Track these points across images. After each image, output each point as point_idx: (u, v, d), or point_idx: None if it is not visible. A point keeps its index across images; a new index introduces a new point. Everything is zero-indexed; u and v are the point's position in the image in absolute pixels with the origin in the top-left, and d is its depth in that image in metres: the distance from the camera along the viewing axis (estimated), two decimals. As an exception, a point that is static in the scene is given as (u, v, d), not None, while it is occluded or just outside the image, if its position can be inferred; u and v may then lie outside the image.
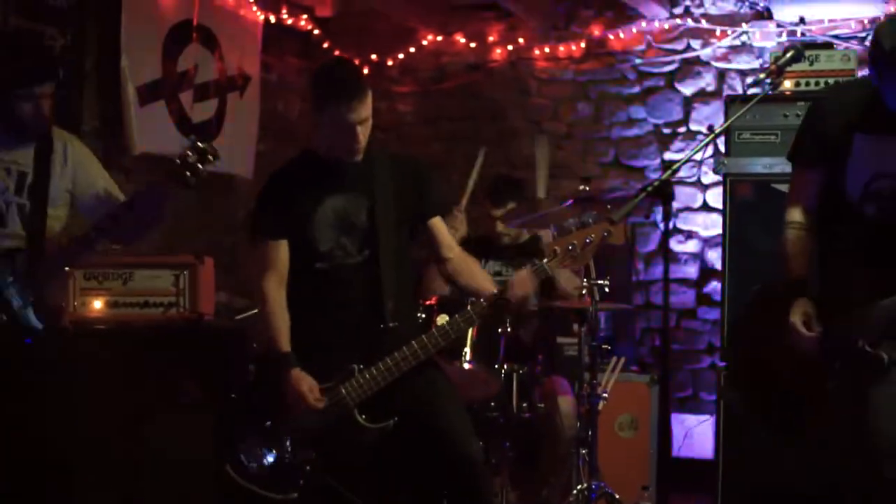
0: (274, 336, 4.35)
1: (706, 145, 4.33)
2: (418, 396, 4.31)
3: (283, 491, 4.27)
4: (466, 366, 5.44)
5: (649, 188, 4.17)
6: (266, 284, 4.41)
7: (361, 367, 4.27)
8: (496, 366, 5.53)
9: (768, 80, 4.48)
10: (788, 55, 4.54)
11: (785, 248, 4.28)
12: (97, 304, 5.84)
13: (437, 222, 4.55)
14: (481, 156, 6.42)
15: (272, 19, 8.04)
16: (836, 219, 4.24)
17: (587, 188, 5.81)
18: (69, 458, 4.74)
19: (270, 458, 4.32)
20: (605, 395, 5.65)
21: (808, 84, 6.27)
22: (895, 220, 4.08)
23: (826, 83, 6.22)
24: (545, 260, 4.31)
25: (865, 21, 7.41)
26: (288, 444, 4.30)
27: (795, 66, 4.88)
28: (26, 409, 4.51)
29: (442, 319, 5.26)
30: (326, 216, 4.40)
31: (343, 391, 4.26)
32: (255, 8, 7.84)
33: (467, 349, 5.46)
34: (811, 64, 6.27)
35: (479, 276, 4.56)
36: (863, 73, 5.95)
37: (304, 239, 4.41)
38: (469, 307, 4.32)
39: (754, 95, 4.73)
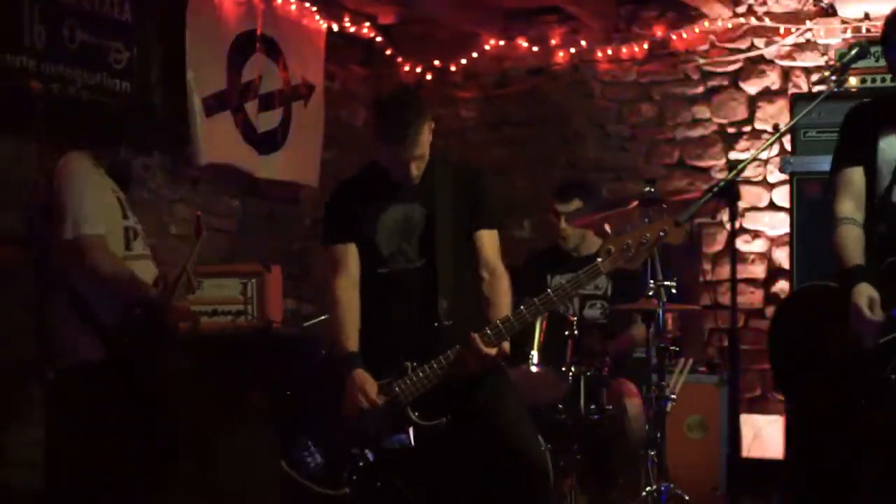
0: (342, 336, 4.46)
1: (770, 145, 4.37)
2: (478, 397, 4.38)
3: (336, 487, 4.35)
4: (534, 369, 5.47)
5: (715, 189, 4.17)
6: (338, 286, 4.53)
7: (415, 364, 4.34)
8: (563, 368, 5.54)
9: (833, 78, 4.50)
10: (853, 52, 4.57)
11: (836, 240, 4.37)
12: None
13: (483, 235, 4.58)
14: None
15: (335, 27, 8.09)
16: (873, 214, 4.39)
17: (652, 189, 5.77)
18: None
19: (325, 455, 4.41)
20: (673, 396, 5.63)
21: (874, 81, 6.21)
22: None
23: (892, 79, 6.15)
24: (598, 259, 4.32)
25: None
26: (342, 440, 4.37)
27: (861, 63, 4.90)
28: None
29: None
30: (389, 223, 4.55)
31: (396, 388, 4.33)
32: (317, 17, 7.90)
33: (534, 352, 5.48)
34: (877, 60, 6.19)
35: (501, 307, 4.48)
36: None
37: (367, 244, 4.55)
38: (523, 307, 4.33)
39: (819, 93, 4.73)
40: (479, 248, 4.57)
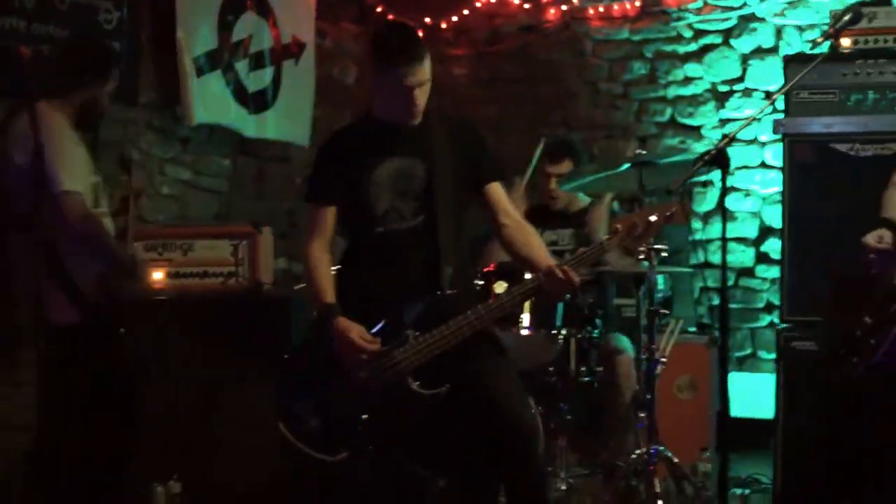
0: (317, 290, 4.36)
1: (762, 112, 4.34)
2: (471, 364, 4.27)
3: (333, 453, 4.27)
4: (524, 332, 5.47)
5: (706, 157, 4.17)
6: (311, 247, 4.43)
7: (417, 333, 4.25)
8: (554, 331, 5.55)
9: (826, 43, 4.51)
10: (846, 18, 4.55)
11: (885, 199, 4.44)
12: (158, 274, 5.89)
13: (495, 187, 4.48)
14: (542, 145, 6.37)
15: (326, -15, 8.05)
16: None
17: (643, 151, 5.77)
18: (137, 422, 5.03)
19: (322, 420, 4.32)
20: (663, 359, 5.64)
21: (866, 42, 6.17)
22: None
23: (885, 41, 6.14)
24: (605, 237, 4.27)
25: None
26: (340, 406, 4.30)
27: (855, 25, 4.89)
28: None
29: (500, 287, 5.30)
30: (382, 179, 4.38)
31: (397, 356, 4.23)
32: (308, -26, 7.86)
33: (525, 315, 5.49)
34: (870, 21, 6.19)
35: (536, 246, 4.45)
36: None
37: (359, 202, 4.39)
38: (527, 280, 4.32)
39: (812, 54, 4.74)
40: (493, 200, 4.46)
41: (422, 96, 4.29)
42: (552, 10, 8.51)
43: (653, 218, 4.20)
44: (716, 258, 7.80)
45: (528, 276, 5.03)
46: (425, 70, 4.25)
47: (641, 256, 5.47)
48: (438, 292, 4.29)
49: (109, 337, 4.97)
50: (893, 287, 4.29)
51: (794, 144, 6.22)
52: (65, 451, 4.92)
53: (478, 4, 8.63)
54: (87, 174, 4.99)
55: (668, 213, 4.21)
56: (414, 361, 4.23)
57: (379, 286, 4.37)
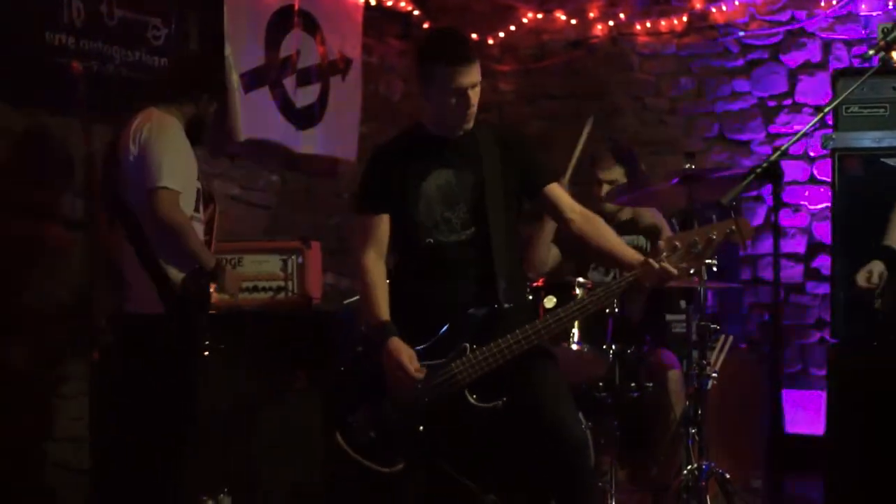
0: (372, 307, 4.33)
1: (813, 126, 4.31)
2: (526, 380, 4.26)
3: (389, 464, 4.26)
4: (574, 346, 5.45)
5: (758, 170, 4.13)
6: (365, 258, 4.39)
7: (474, 346, 4.23)
8: (604, 346, 5.53)
9: (875, 57, 4.47)
10: (896, 33, 4.52)
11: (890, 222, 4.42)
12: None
13: (553, 188, 4.46)
14: (589, 125, 6.33)
15: (372, 1, 8.06)
16: None
17: (692, 165, 5.72)
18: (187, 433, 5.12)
19: (379, 431, 4.31)
20: (714, 374, 5.60)
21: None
22: None
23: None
24: (664, 254, 4.18)
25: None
26: (396, 417, 4.29)
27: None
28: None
29: (550, 302, 5.28)
30: (431, 191, 4.37)
31: (454, 368, 4.22)
32: (354, -9, 7.89)
33: (575, 330, 5.46)
34: (923, 34, 6.16)
35: (612, 237, 4.44)
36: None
37: (407, 214, 4.37)
38: (579, 297, 4.31)
39: (861, 69, 4.71)
40: (553, 200, 4.44)
41: (475, 97, 4.27)
42: (599, 26, 8.50)
43: (713, 235, 4.14)
44: (766, 274, 7.75)
45: (577, 291, 5.06)
46: (477, 71, 4.24)
47: (692, 271, 5.44)
48: (496, 305, 4.27)
49: (188, 333, 5.10)
50: None
51: (844, 159, 6.19)
52: (121, 447, 5.02)
53: (524, 20, 8.63)
54: (190, 178, 5.24)
55: (727, 231, 4.14)
56: (471, 374, 4.21)
57: (430, 299, 4.36)
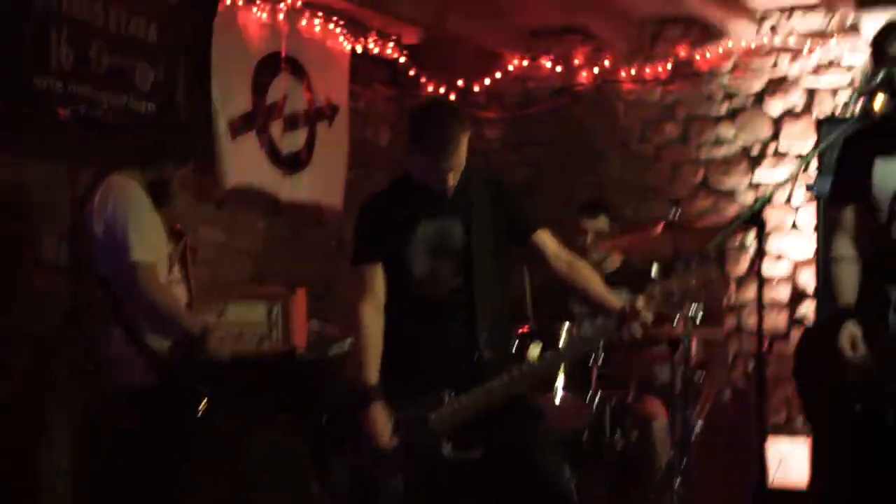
0: (362, 367, 4.34)
1: (796, 175, 4.37)
2: (509, 429, 4.29)
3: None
4: (559, 396, 5.45)
5: (741, 219, 4.17)
6: (362, 310, 4.41)
7: (452, 394, 4.25)
8: (588, 395, 5.53)
9: (858, 104, 4.52)
10: (877, 79, 4.55)
11: (832, 278, 4.45)
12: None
13: (540, 235, 4.50)
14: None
15: (359, 48, 8.09)
16: (874, 247, 4.48)
17: (677, 213, 5.75)
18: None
19: (357, 481, 4.33)
20: (699, 423, 5.61)
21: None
22: None
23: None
24: (640, 303, 4.22)
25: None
26: (375, 467, 4.29)
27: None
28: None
29: (536, 348, 5.30)
30: (421, 241, 4.41)
31: (432, 418, 4.24)
32: (342, 38, 7.90)
33: (559, 379, 5.46)
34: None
35: (596, 284, 4.49)
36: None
37: (398, 264, 4.41)
38: (561, 345, 4.33)
39: (844, 118, 4.76)
40: (540, 247, 4.50)
41: (453, 177, 4.34)
42: (584, 73, 8.53)
43: (691, 285, 4.17)
44: (751, 322, 7.75)
45: (563, 339, 5.07)
46: (458, 155, 4.31)
47: (676, 320, 5.46)
48: (476, 354, 4.28)
49: (188, 400, 5.04)
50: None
51: (829, 206, 6.20)
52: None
53: (510, 68, 8.67)
54: (160, 244, 5.12)
55: (706, 280, 4.17)
56: (448, 424, 4.24)
57: (417, 348, 4.39)
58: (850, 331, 4.32)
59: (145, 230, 5.02)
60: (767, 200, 4.28)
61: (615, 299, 4.37)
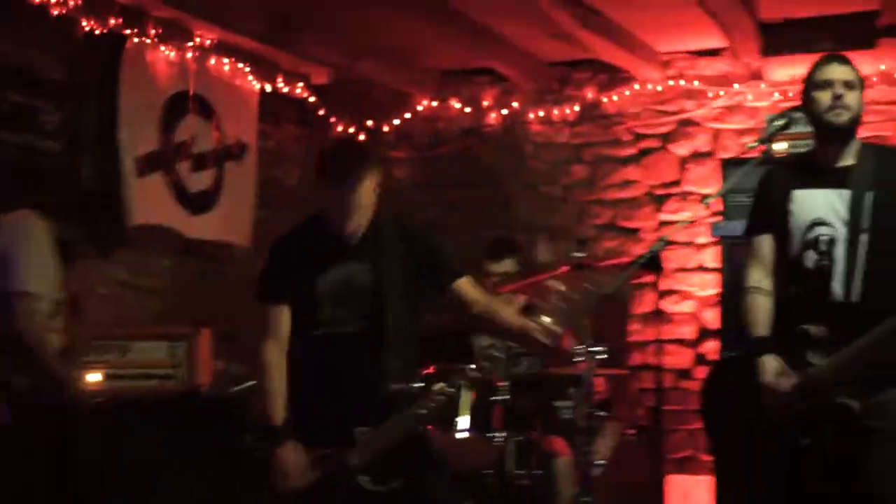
0: (267, 407, 4.35)
1: (697, 216, 4.44)
2: (411, 467, 4.32)
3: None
4: (462, 434, 5.46)
5: (641, 261, 4.23)
6: (265, 351, 4.42)
7: (364, 430, 4.27)
8: (492, 433, 5.55)
9: (760, 148, 4.62)
10: (779, 123, 4.66)
11: (745, 309, 4.49)
12: (96, 376, 5.86)
13: (459, 284, 4.53)
14: None
15: (268, 88, 8.10)
16: (787, 278, 4.51)
17: (580, 254, 5.81)
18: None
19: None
20: (600, 461, 5.64)
21: (800, 146, 6.27)
22: (830, 264, 4.35)
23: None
24: (542, 318, 4.29)
25: (859, 80, 7.45)
26: None
27: (790, 129, 5.02)
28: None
29: (438, 389, 5.31)
30: (330, 284, 4.41)
31: (344, 457, 4.25)
32: (251, 77, 7.90)
33: (463, 417, 5.48)
34: (804, 126, 6.28)
35: (515, 319, 4.54)
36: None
37: (306, 306, 4.41)
38: (460, 374, 4.35)
39: (748, 160, 4.85)
40: (461, 296, 4.52)
41: (360, 217, 4.36)
42: (493, 115, 8.60)
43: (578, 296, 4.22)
44: (655, 359, 7.83)
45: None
46: (365, 191, 4.33)
47: (579, 358, 5.50)
48: (382, 390, 4.30)
49: (46, 440, 4.93)
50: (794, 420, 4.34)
51: (733, 247, 6.29)
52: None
53: (419, 108, 8.72)
54: (50, 284, 5.01)
55: (587, 287, 4.23)
56: (362, 459, 4.26)
57: (325, 387, 4.38)
58: (772, 364, 4.34)
59: (40, 265, 4.97)
60: (664, 245, 4.34)
61: (534, 326, 4.40)
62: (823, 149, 4.50)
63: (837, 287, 4.32)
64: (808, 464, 4.30)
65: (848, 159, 4.44)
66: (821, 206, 4.42)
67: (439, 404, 4.31)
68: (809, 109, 4.49)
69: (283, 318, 4.45)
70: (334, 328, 4.41)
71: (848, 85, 4.40)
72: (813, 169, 4.51)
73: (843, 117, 4.39)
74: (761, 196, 4.67)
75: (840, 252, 4.33)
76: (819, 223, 4.40)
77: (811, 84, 4.48)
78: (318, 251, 4.45)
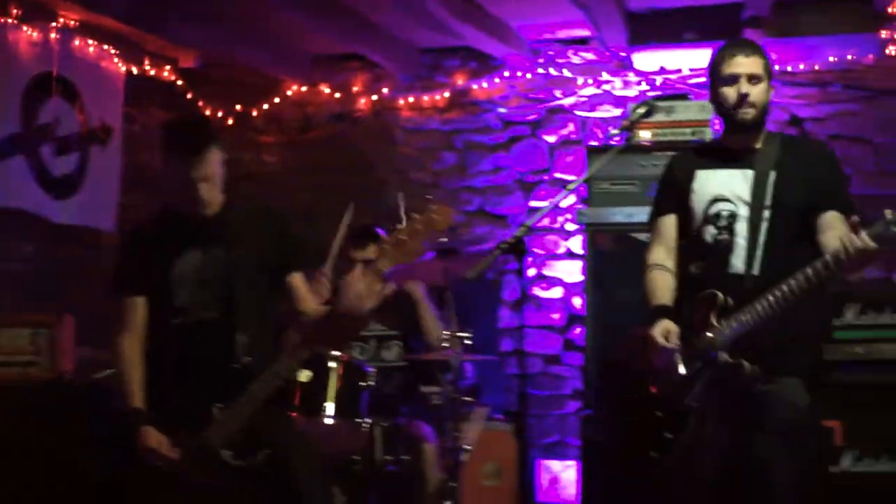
0: (126, 394, 4.36)
1: (556, 202, 4.46)
2: (276, 450, 4.32)
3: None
4: (329, 420, 5.45)
5: (503, 246, 4.25)
6: (120, 341, 4.43)
7: (220, 406, 4.27)
8: (359, 419, 5.54)
9: (623, 135, 4.66)
10: (641, 111, 4.70)
11: (645, 285, 4.53)
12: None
13: (294, 279, 4.54)
14: (347, 215, 6.41)
15: (135, 70, 7.98)
16: (688, 256, 4.54)
17: (446, 239, 5.82)
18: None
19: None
20: (467, 447, 5.66)
21: (664, 135, 6.37)
22: (730, 238, 4.38)
23: (682, 133, 6.34)
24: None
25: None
26: (163, 485, 4.26)
27: (652, 118, 5.07)
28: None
29: (304, 376, 5.31)
30: (184, 271, 4.40)
31: (206, 434, 4.25)
32: (116, 59, 7.78)
33: (329, 403, 5.47)
34: (668, 115, 6.38)
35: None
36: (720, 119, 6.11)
37: (161, 294, 4.40)
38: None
39: (612, 146, 4.89)
40: (293, 291, 4.52)
41: (207, 189, 4.35)
42: (363, 100, 8.58)
43: (418, 227, 4.19)
44: (525, 345, 7.88)
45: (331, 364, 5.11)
46: (211, 163, 4.32)
47: (446, 344, 5.53)
48: (235, 365, 4.28)
49: None
50: (679, 383, 4.37)
51: (596, 234, 6.36)
52: None
53: (289, 93, 8.66)
54: None
55: (430, 220, 4.19)
56: (222, 434, 4.26)
57: (181, 372, 4.36)
58: (665, 325, 4.37)
59: None
60: (528, 229, 4.36)
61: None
62: (730, 136, 4.54)
63: (738, 262, 4.36)
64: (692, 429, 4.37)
65: (754, 144, 4.49)
66: (723, 184, 4.46)
67: (290, 375, 4.30)
68: (716, 102, 4.51)
69: (138, 308, 4.46)
70: (191, 314, 4.40)
71: (754, 79, 4.40)
72: (719, 152, 4.56)
73: (750, 115, 4.42)
74: (665, 179, 4.71)
75: (742, 228, 4.37)
76: (720, 199, 4.43)
77: (716, 77, 4.48)
78: (172, 237, 4.45)
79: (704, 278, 4.43)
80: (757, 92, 4.41)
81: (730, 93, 4.42)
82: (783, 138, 4.61)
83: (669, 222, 4.62)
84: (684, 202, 4.54)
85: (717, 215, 4.43)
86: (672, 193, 4.62)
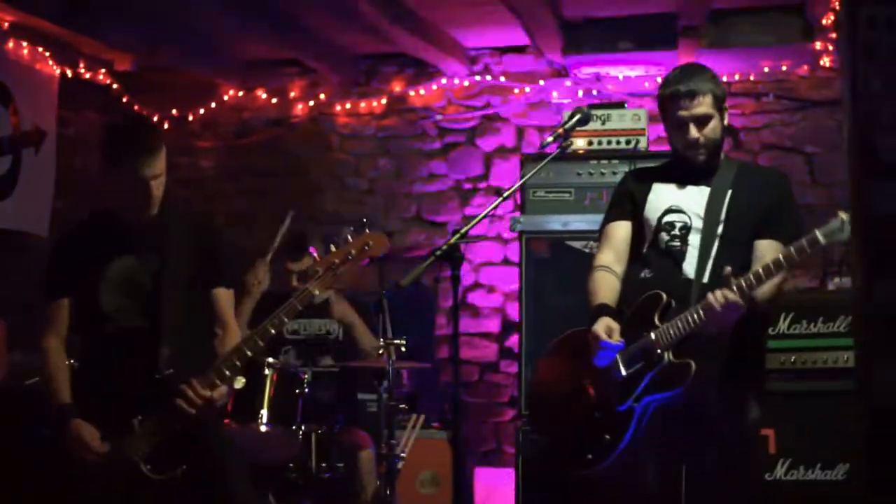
0: (53, 391, 4.35)
1: (490, 210, 4.46)
2: (204, 458, 4.30)
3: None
4: (263, 427, 5.42)
5: (437, 253, 4.25)
6: (46, 344, 4.42)
7: (140, 418, 4.23)
8: (294, 426, 5.52)
9: (558, 143, 4.65)
10: (575, 119, 4.71)
11: (589, 285, 4.53)
12: None
13: (220, 293, 4.51)
14: (289, 218, 6.40)
15: (69, 73, 7.90)
16: (641, 265, 4.54)
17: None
18: None
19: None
20: (402, 454, 5.66)
21: (599, 143, 6.40)
22: (683, 246, 4.40)
23: (618, 142, 6.37)
24: (307, 284, 4.25)
25: (659, 79, 7.61)
26: (85, 496, 4.24)
27: (588, 126, 5.08)
28: None
29: (239, 383, 5.27)
30: (113, 278, 4.36)
31: (125, 446, 4.21)
32: (51, 62, 7.70)
33: (264, 411, 5.44)
34: (603, 123, 6.41)
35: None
36: (654, 128, 6.15)
37: (88, 301, 4.37)
38: (240, 343, 4.30)
39: (546, 155, 4.89)
40: (214, 306, 4.50)
41: (157, 188, 4.29)
42: (300, 106, 8.55)
43: (351, 252, 4.21)
44: (462, 353, 7.88)
45: (266, 371, 5.08)
46: (161, 162, 4.27)
47: (381, 352, 5.52)
48: (157, 376, 4.24)
49: None
50: (618, 384, 4.37)
51: (531, 241, 6.36)
52: None
53: (225, 97, 8.62)
54: None
55: (365, 246, 4.22)
56: (144, 446, 4.22)
57: (106, 380, 4.33)
58: (607, 322, 4.34)
59: None
60: (462, 236, 4.36)
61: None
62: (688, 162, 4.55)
63: (689, 268, 4.37)
64: None
65: (712, 166, 4.48)
66: (679, 197, 4.47)
67: (214, 389, 4.26)
68: (669, 140, 4.52)
69: (63, 313, 4.44)
70: (117, 321, 4.36)
71: (701, 121, 4.38)
72: (677, 170, 4.55)
73: (703, 156, 4.42)
74: (620, 189, 4.72)
75: (695, 239, 4.38)
76: (675, 210, 4.45)
77: (665, 117, 4.47)
78: (105, 242, 4.40)
79: (655, 281, 4.44)
80: (707, 132, 4.39)
81: (678, 136, 4.42)
82: (741, 164, 4.62)
83: (620, 228, 4.62)
84: (639, 212, 4.55)
85: (672, 224, 4.44)
86: (626, 203, 4.62)
